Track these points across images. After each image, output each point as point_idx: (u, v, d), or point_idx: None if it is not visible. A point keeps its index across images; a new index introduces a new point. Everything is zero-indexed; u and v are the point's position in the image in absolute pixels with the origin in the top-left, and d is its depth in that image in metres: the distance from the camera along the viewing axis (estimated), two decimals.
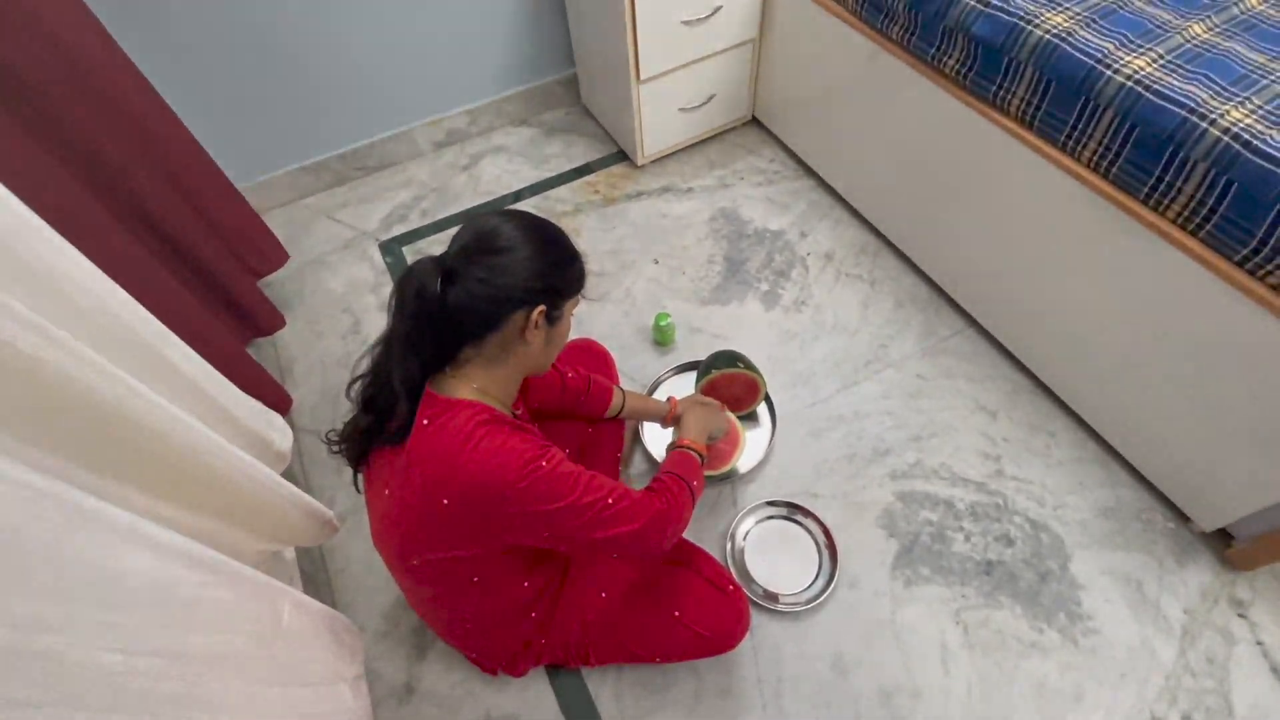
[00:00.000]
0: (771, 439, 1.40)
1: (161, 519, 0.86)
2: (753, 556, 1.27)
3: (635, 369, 1.55)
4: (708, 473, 1.29)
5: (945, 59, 1.29)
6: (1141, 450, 1.30)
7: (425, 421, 0.79)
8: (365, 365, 0.84)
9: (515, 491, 0.75)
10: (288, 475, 1.31)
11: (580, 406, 1.18)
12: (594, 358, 1.31)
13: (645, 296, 1.68)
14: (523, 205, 1.92)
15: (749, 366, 1.34)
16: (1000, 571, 1.24)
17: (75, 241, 0.84)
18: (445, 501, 0.76)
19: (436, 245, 1.83)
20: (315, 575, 1.25)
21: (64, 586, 0.52)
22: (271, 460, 1.22)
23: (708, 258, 1.75)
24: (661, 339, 1.57)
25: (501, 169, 2.01)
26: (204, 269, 1.29)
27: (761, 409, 1.43)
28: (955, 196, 1.43)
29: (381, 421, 0.81)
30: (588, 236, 1.82)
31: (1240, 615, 1.18)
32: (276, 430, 1.25)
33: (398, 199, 1.96)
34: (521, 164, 2.03)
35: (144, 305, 0.96)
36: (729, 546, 1.27)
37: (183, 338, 1.04)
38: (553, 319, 0.82)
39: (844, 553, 1.26)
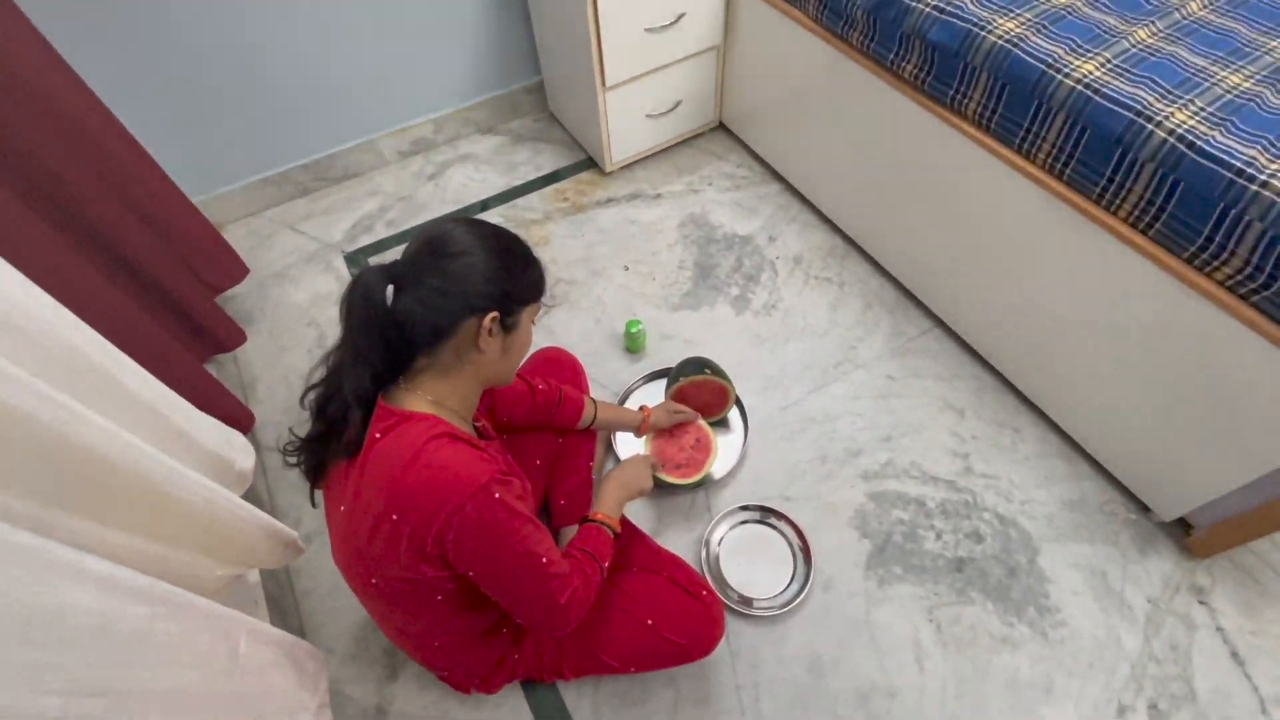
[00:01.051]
0: (744, 443, 1.40)
1: (113, 547, 0.83)
2: (728, 562, 1.27)
3: (607, 376, 1.54)
4: (683, 480, 1.29)
5: (903, 64, 1.31)
6: (1102, 443, 1.33)
7: (378, 435, 0.77)
8: (320, 373, 0.82)
9: (460, 512, 0.72)
10: (252, 494, 1.28)
11: (551, 419, 1.17)
12: (563, 368, 1.30)
13: (616, 303, 1.67)
14: (491, 214, 1.90)
15: (717, 373, 1.34)
16: (971, 568, 1.26)
17: (15, 259, 0.81)
18: (394, 517, 0.74)
19: None
20: (281, 598, 1.22)
21: None
22: (233, 481, 1.18)
23: (678, 263, 1.75)
24: (633, 346, 1.56)
25: (469, 177, 2.00)
26: (159, 286, 1.25)
27: (733, 414, 1.43)
28: (918, 198, 1.45)
29: (335, 432, 0.79)
30: (557, 244, 1.81)
31: (1201, 602, 1.21)
32: (238, 450, 1.21)
33: (363, 209, 1.93)
34: (489, 172, 2.01)
35: (94, 325, 0.92)
36: (704, 553, 1.26)
37: (137, 357, 1.00)
38: (508, 326, 0.80)
39: (818, 555, 1.26)
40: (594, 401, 1.22)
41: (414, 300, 0.74)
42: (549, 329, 1.62)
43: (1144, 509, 1.31)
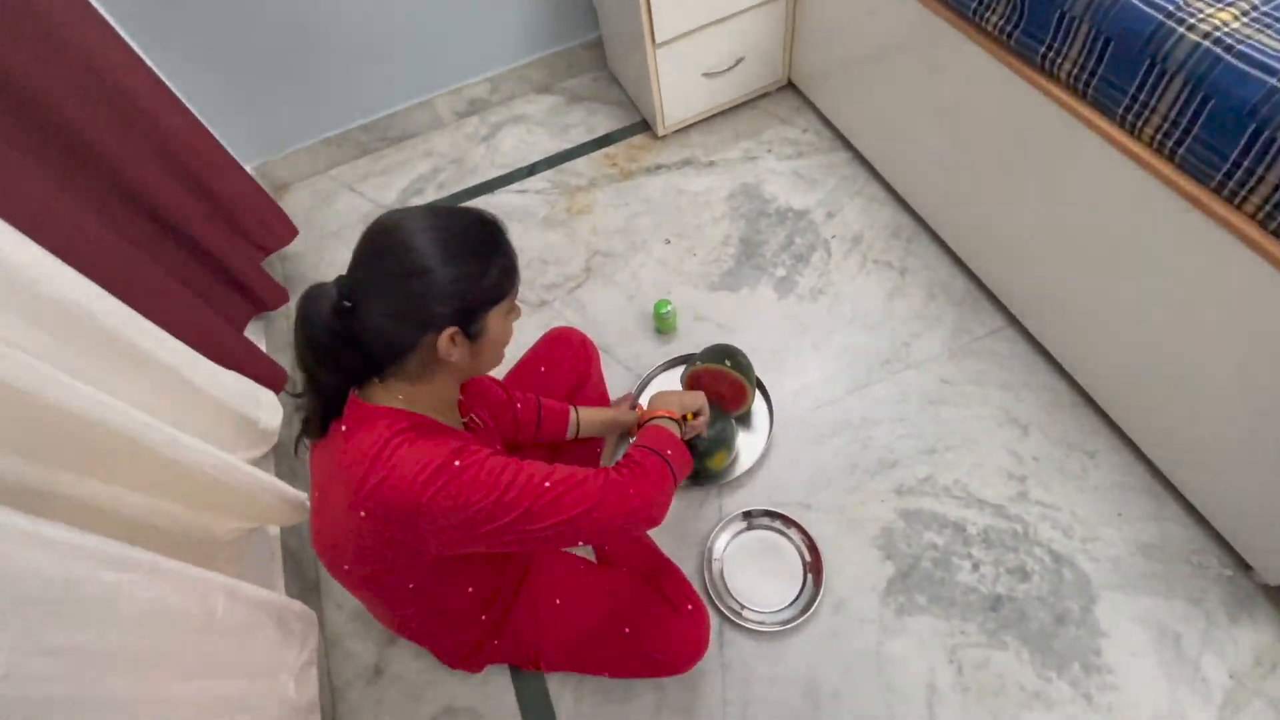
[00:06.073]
0: (768, 441, 1.30)
1: (120, 503, 0.89)
2: (731, 567, 1.19)
3: (632, 358, 1.47)
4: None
5: (989, 14, 1.10)
6: (1200, 481, 1.11)
7: (344, 428, 0.76)
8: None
9: (423, 502, 0.71)
10: (283, 449, 1.34)
11: (538, 435, 1.11)
12: (570, 348, 1.24)
13: (651, 280, 1.59)
14: (537, 178, 1.84)
15: (738, 366, 1.24)
16: (1009, 608, 1.11)
17: (35, 227, 0.85)
18: (362, 514, 0.74)
19: None
20: (300, 552, 1.29)
21: None
22: (257, 438, 1.25)
23: (722, 238, 1.63)
24: (663, 327, 1.48)
25: (520, 140, 1.95)
26: (199, 248, 1.31)
27: (758, 408, 1.33)
28: (1002, 176, 1.24)
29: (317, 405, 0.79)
30: (599, 213, 1.74)
31: None
32: (264, 408, 1.27)
33: (417, 171, 1.94)
34: (541, 134, 1.95)
35: (121, 292, 0.97)
36: (707, 554, 1.20)
37: (165, 321, 1.06)
38: (474, 333, 0.75)
39: (833, 572, 1.16)
40: (576, 409, 1.15)
41: (367, 318, 0.71)
42: (579, 304, 1.57)
43: (1244, 566, 1.09)
